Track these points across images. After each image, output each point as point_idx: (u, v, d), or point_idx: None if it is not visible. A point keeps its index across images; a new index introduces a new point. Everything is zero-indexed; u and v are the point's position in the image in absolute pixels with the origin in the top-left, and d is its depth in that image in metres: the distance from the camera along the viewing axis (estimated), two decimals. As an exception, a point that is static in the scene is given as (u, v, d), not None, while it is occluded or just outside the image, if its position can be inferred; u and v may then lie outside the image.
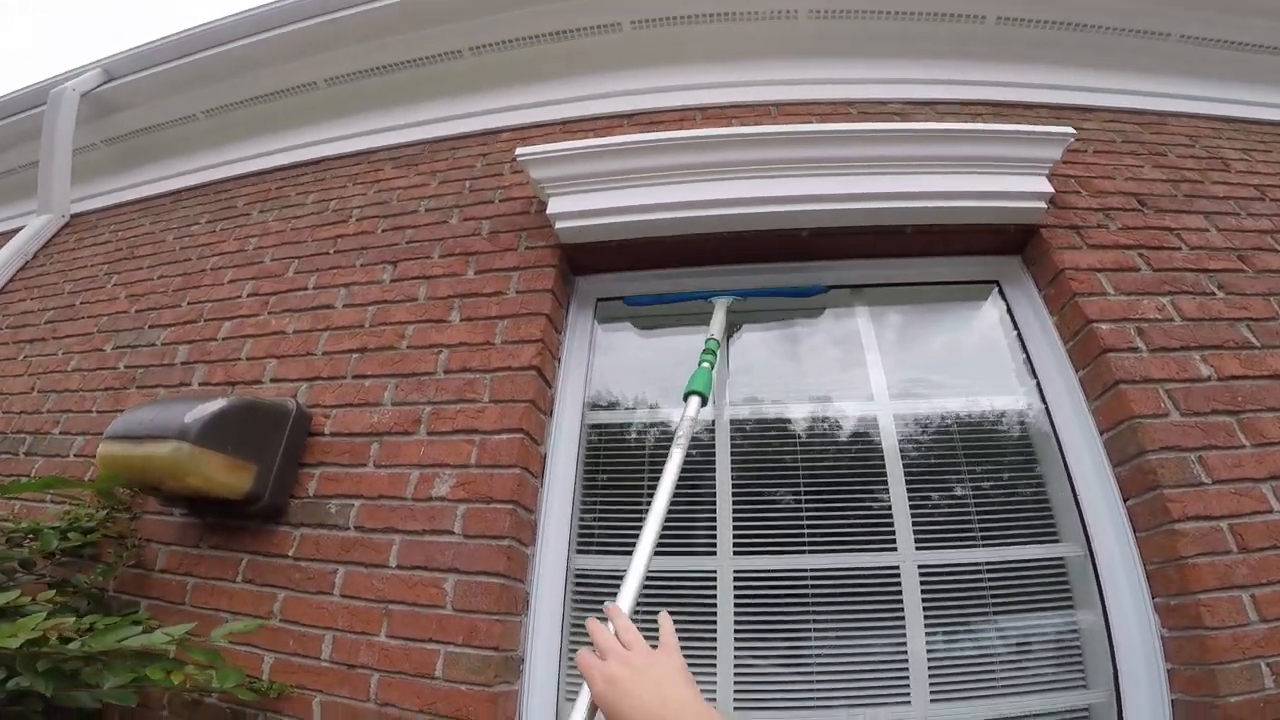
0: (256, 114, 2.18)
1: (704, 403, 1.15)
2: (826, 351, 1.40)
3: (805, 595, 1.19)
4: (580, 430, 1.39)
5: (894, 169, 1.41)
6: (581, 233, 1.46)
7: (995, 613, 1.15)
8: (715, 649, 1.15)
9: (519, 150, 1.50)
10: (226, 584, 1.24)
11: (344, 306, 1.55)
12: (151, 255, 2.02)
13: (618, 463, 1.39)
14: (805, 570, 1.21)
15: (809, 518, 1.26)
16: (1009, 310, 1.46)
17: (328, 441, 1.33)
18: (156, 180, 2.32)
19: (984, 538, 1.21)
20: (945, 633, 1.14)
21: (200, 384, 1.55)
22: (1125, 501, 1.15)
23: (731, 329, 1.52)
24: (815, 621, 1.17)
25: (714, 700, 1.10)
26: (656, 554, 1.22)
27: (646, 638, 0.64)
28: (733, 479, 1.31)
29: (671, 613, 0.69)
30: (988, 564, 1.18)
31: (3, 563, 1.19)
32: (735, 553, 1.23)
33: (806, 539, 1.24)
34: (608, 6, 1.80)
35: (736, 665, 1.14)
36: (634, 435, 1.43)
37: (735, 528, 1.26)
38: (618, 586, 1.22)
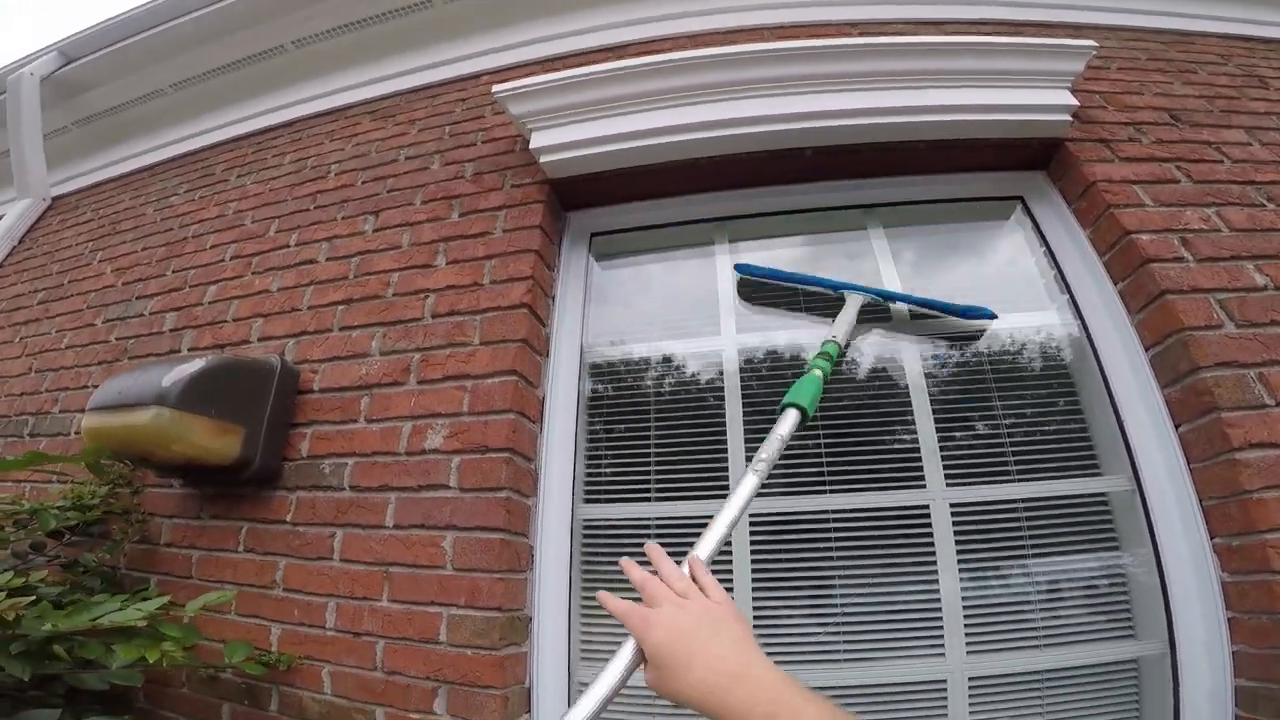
0: (226, 82, 2.10)
1: (804, 420, 0.84)
2: (841, 276, 1.29)
3: (827, 539, 1.11)
4: (580, 371, 1.32)
5: (902, 84, 1.31)
6: (568, 165, 1.38)
7: (1034, 555, 1.06)
8: (731, 599, 1.08)
9: (496, 88, 1.44)
10: (229, 554, 1.21)
11: (327, 260, 1.50)
12: (134, 229, 1.99)
13: (623, 404, 1.31)
14: (826, 511, 1.13)
15: (829, 454, 1.17)
16: (1036, 226, 1.35)
17: (318, 399, 1.29)
18: (132, 156, 2.29)
19: (1020, 472, 1.12)
20: (980, 578, 1.05)
21: (189, 349, 1.52)
22: (1177, 428, 1.04)
23: (734, 244, 1.43)
24: (838, 567, 1.09)
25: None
26: (663, 500, 1.19)
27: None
28: (744, 414, 1.22)
29: (680, 563, 0.61)
30: (1024, 501, 1.09)
31: (11, 545, 1.17)
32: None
33: (827, 477, 1.15)
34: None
35: (756, 617, 1.08)
36: (638, 374, 1.34)
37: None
38: (630, 536, 1.20)
